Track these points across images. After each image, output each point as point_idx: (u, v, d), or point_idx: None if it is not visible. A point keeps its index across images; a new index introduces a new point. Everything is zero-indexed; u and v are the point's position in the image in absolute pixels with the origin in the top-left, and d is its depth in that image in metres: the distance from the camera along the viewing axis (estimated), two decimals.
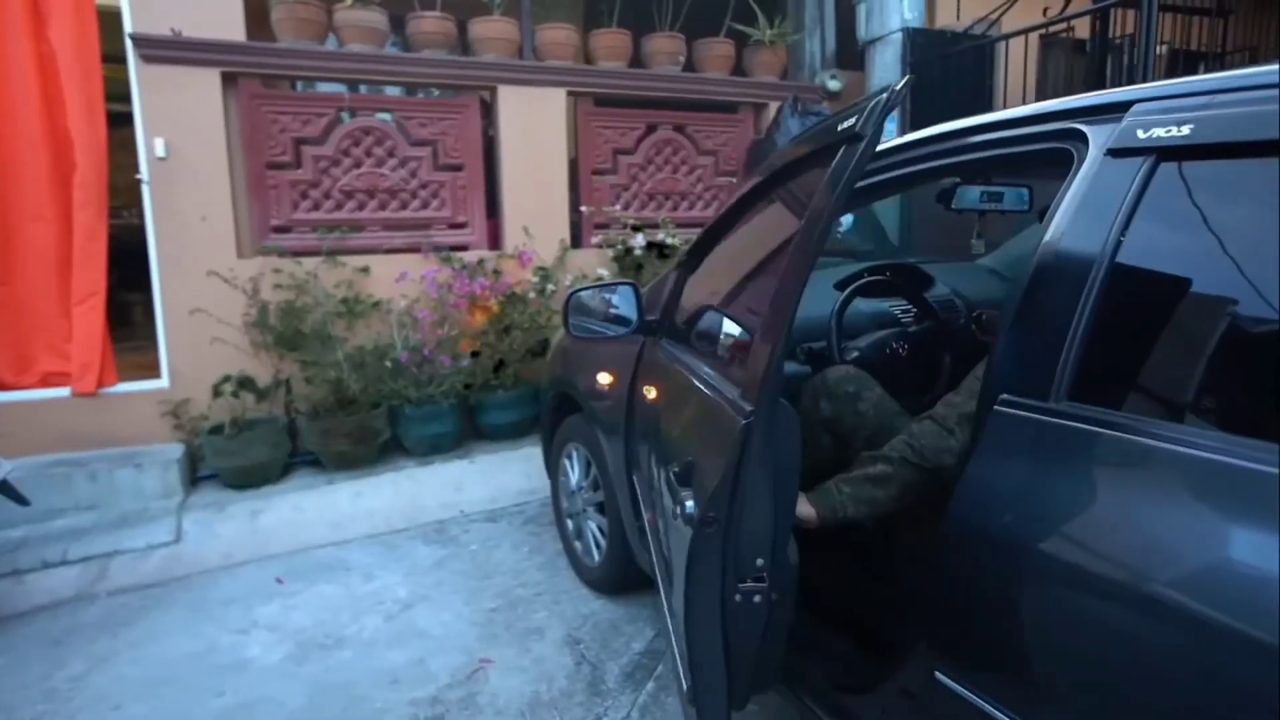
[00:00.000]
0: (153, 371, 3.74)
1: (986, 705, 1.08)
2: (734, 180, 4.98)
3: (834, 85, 5.03)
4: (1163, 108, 1.10)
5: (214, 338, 3.64)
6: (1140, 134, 1.10)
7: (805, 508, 1.61)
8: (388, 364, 3.73)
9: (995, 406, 1.14)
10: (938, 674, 1.16)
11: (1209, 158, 1.04)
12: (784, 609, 1.29)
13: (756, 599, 1.21)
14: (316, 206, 3.94)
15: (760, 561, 1.22)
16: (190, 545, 3.15)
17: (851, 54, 5.17)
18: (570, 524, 2.83)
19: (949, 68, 4.57)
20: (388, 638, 2.46)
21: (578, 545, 2.77)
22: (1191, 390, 1.07)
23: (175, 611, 2.70)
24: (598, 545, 2.61)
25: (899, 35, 4.45)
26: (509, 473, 3.76)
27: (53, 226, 3.49)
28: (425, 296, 3.98)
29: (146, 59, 3.52)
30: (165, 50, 3.53)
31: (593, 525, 2.63)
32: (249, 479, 3.57)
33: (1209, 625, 0.84)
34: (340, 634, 2.50)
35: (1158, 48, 6.69)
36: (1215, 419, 1.02)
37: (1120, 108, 1.17)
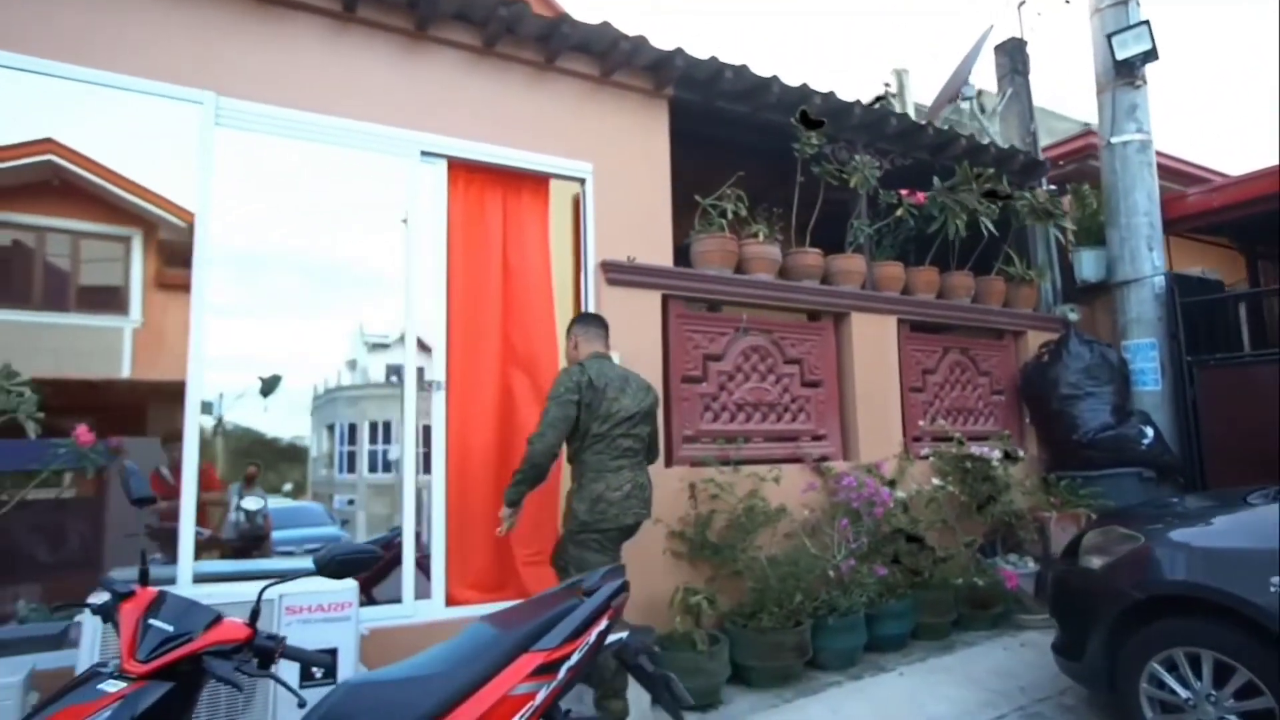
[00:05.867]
0: None
1: None
2: (1003, 398, 5.43)
3: (1074, 316, 5.70)
4: None
5: (665, 548, 3.62)
6: None
7: None
8: (830, 573, 3.73)
9: None
10: None
11: None
12: None
13: None
14: (716, 418, 4.12)
15: None
16: None
17: (1070, 290, 5.93)
18: None
19: (1211, 307, 5.29)
20: None
21: None
22: None
23: None
24: None
25: (1159, 278, 5.17)
26: (946, 684, 3.66)
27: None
28: (835, 505, 4.08)
29: (610, 281, 3.82)
30: (623, 274, 3.85)
31: None
32: (705, 699, 3.38)
33: None
34: None
35: None
36: None
37: None
